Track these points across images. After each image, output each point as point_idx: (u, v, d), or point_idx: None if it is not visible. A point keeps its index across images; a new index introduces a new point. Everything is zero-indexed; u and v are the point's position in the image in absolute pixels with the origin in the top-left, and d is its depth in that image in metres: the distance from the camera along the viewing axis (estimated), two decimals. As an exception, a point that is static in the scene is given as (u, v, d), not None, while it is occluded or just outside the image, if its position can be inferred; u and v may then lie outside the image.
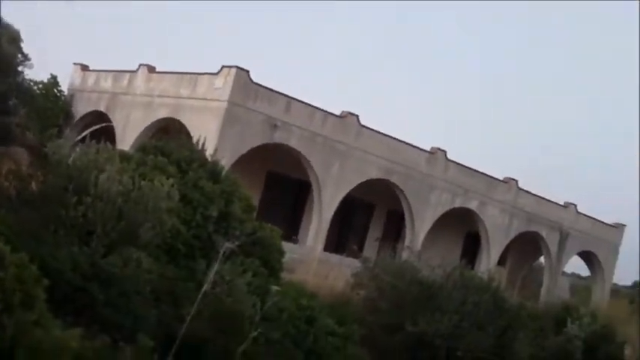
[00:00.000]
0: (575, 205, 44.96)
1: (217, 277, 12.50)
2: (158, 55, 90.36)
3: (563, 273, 49.68)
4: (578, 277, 67.06)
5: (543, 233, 43.05)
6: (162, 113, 32.10)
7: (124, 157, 17.14)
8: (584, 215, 45.53)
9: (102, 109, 35.80)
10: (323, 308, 18.45)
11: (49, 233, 12.92)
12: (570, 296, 44.55)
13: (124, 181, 14.17)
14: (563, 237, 43.98)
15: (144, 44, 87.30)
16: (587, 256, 48.10)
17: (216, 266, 11.70)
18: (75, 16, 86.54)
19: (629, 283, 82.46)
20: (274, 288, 13.23)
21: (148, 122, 32.56)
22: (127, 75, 35.17)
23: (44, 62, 47.60)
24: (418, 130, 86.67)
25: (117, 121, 34.43)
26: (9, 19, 30.26)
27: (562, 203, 44.53)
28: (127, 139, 32.51)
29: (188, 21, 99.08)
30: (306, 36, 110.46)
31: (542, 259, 47.35)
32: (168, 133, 29.85)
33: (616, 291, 58.03)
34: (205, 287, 11.19)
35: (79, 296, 11.46)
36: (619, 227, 48.71)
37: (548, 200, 43.37)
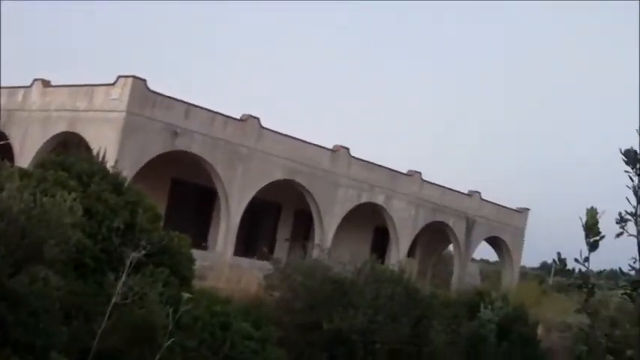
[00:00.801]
0: (479, 193, 45.74)
1: (127, 289, 12.30)
2: (55, 68, 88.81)
3: (473, 259, 50.53)
4: (487, 262, 68.28)
5: (450, 222, 43.66)
6: (60, 127, 31.55)
7: (24, 174, 16.75)
8: (489, 202, 46.33)
9: (-3, 126, 35.06)
10: (237, 313, 18.36)
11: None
12: (481, 282, 45.27)
13: (24, 198, 13.84)
14: (470, 225, 44.68)
15: (37, 58, 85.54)
16: (495, 242, 48.94)
17: (123, 278, 11.50)
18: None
19: (536, 264, 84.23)
20: (186, 296, 13.06)
21: (46, 137, 31.96)
22: (22, 91, 34.46)
23: None
24: (321, 130, 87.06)
25: (14, 138, 33.69)
26: None
27: (466, 192, 45.24)
28: (25, 156, 31.85)
29: (85, 29, 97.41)
30: (206, 38, 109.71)
31: (451, 247, 48.03)
32: (67, 147, 29.32)
33: (524, 273, 59.32)
34: (114, 299, 10.99)
35: (-14, 319, 11.15)
36: (523, 212, 49.70)
37: (453, 190, 44.03)
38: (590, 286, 4.86)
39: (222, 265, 28.54)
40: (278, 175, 34.01)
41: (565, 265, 4.87)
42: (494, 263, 63.10)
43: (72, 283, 14.40)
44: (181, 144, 30.29)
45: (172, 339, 10.99)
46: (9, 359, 10.53)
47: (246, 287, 24.36)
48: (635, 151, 4.76)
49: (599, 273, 4.88)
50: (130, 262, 11.41)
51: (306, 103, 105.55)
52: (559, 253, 4.86)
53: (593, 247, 4.79)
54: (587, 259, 4.82)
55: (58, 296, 13.18)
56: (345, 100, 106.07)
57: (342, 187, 36.92)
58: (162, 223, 19.83)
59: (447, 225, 43.79)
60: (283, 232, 39.29)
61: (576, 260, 4.83)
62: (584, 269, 4.85)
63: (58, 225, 13.94)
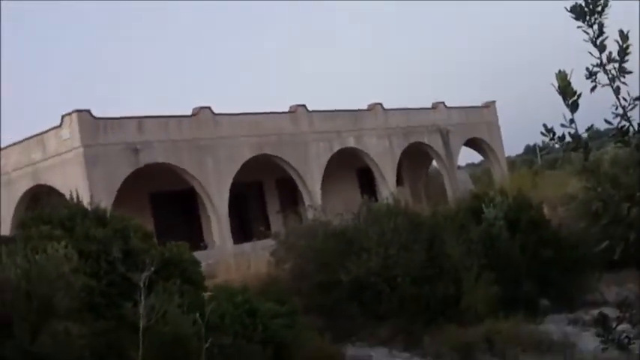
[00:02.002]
0: (443, 103, 45.84)
1: (148, 311, 12.31)
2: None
3: (459, 167, 50.77)
4: (474, 165, 68.68)
5: (425, 140, 43.85)
6: (25, 185, 31.34)
7: (8, 240, 16.68)
8: (455, 108, 46.49)
9: (-36, 206, 34.76)
10: (258, 297, 18.44)
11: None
12: (474, 185, 45.50)
13: (18, 262, 13.79)
14: (445, 135, 44.87)
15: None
16: (474, 143, 49.20)
17: (142, 301, 11.51)
18: None
19: (520, 151, 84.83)
20: (207, 294, 13.12)
21: (15, 200, 31.74)
22: (-26, 164, 34.14)
23: None
24: (276, 98, 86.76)
25: (-16, 212, 33.45)
26: None
27: (430, 105, 45.34)
28: (2, 225, 31.62)
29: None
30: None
31: (434, 163, 48.25)
32: (39, 200, 29.18)
33: (512, 163, 59.72)
34: (142, 324, 11.00)
35: (25, 389, 11.15)
36: (490, 105, 49.97)
37: (417, 108, 44.16)
38: (584, 144, 4.90)
39: (226, 258, 28.57)
40: (247, 154, 33.96)
41: (554, 133, 4.90)
42: (480, 164, 63.52)
43: (92, 325, 14.40)
44: (145, 158, 30.16)
45: (208, 341, 11.02)
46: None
47: (256, 270, 24.41)
48: (581, 5, 4.79)
49: (587, 130, 4.90)
50: (144, 283, 11.41)
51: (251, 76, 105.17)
52: (545, 125, 4.90)
53: (573, 107, 4.82)
54: (572, 121, 4.85)
55: (84, 343, 13.18)
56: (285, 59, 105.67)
57: (311, 143, 36.92)
58: (155, 239, 19.86)
59: (423, 144, 43.96)
60: (273, 206, 39.34)
61: (562, 125, 4.87)
62: (572, 131, 4.88)
63: (60, 276, 13.94)
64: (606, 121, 4.90)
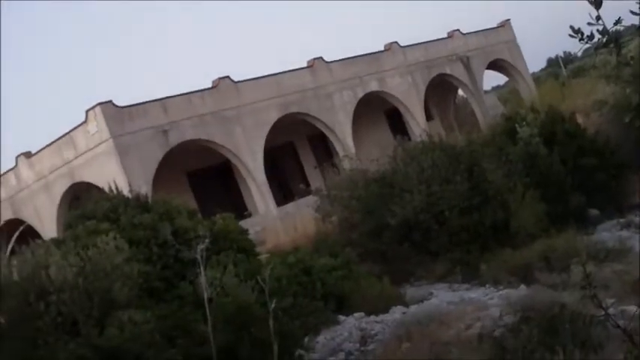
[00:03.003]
0: (459, 30, 45.47)
1: (207, 286, 12.46)
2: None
3: (486, 92, 50.46)
4: (500, 87, 68.17)
5: (447, 70, 43.59)
6: (64, 185, 31.58)
7: (58, 242, 16.90)
8: (471, 33, 46.11)
9: (10, 216, 35.11)
10: (310, 254, 18.56)
11: (39, 348, 12.74)
12: (504, 107, 45.25)
13: (72, 262, 13.98)
14: (466, 62, 44.57)
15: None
16: (496, 65, 48.83)
17: (202, 274, 11.64)
18: None
19: (543, 64, 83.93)
20: (264, 257, 13.24)
21: (56, 201, 32.02)
22: (11, 174, 34.44)
23: None
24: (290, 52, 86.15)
25: (30, 218, 33.81)
26: None
27: (446, 35, 45.02)
28: (48, 228, 31.96)
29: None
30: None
31: (461, 92, 48.00)
32: (80, 198, 29.48)
33: (537, 78, 59.19)
34: (206, 296, 11.13)
35: (102, 382, 11.36)
36: (506, 24, 49.49)
37: (434, 40, 43.84)
38: (613, 39, 4.82)
39: (272, 222, 28.75)
40: (274, 116, 33.94)
41: (582, 33, 4.83)
42: (506, 85, 63.06)
43: (155, 310, 14.59)
44: (175, 138, 30.26)
45: (274, 304, 11.15)
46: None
47: (304, 229, 24.55)
48: None
49: (616, 23, 4.81)
50: (201, 256, 11.53)
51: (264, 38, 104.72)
52: (572, 26, 4.82)
53: (598, 3, 4.74)
54: (599, 17, 4.78)
55: (151, 328, 13.37)
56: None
57: (335, 93, 36.82)
58: (199, 215, 20.04)
59: (445, 74, 43.71)
60: (308, 163, 39.35)
61: (589, 24, 4.79)
62: (600, 28, 4.80)
63: (114, 268, 14.13)
64: (632, 12, 4.79)
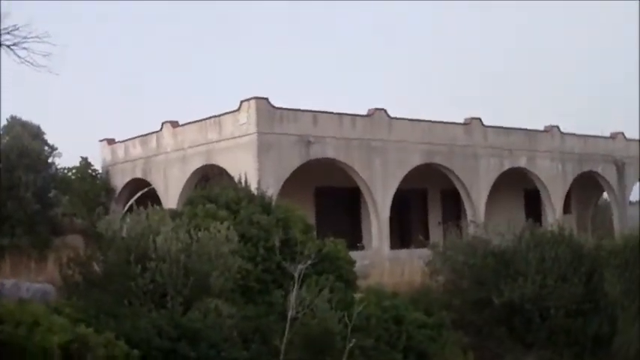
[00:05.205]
0: (623, 133, 44.49)
1: (298, 303, 12.50)
2: (176, 111, 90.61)
3: (631, 203, 49.12)
4: (647, 203, 66.20)
5: (599, 169, 42.64)
6: (198, 163, 32.24)
7: (175, 214, 17.26)
8: (634, 140, 45.01)
9: (139, 175, 36.03)
10: (407, 304, 18.42)
11: (124, 307, 13.02)
12: (644, 223, 43.88)
13: (181, 237, 14.26)
14: (620, 167, 43.52)
15: (158, 105, 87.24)
16: (649, 180, 47.50)
17: (294, 292, 11.69)
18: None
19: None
20: (358, 296, 13.20)
21: (186, 175, 32.71)
22: (154, 137, 35.36)
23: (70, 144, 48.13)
24: (449, 107, 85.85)
25: (156, 183, 34.63)
26: (21, 114, 30.96)
27: (609, 135, 44.12)
28: (170, 197, 32.69)
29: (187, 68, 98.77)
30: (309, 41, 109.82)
31: (605, 195, 46.89)
32: (208, 179, 30.05)
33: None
34: (290, 314, 11.17)
35: (171, 358, 11.51)
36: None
37: (595, 136, 42.99)
38: None
39: (381, 261, 28.62)
40: (417, 161, 33.87)
41: None
42: (654, 202, 61.23)
43: (242, 308, 14.74)
44: (316, 152, 30.52)
45: (352, 341, 11.10)
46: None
47: (409, 278, 24.35)
48: None
49: None
50: (299, 275, 11.59)
51: (428, 83, 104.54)
52: None
53: None
54: None
55: (233, 324, 13.51)
56: (464, 69, 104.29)
57: (482, 158, 36.50)
58: (314, 233, 20.11)
59: (596, 173, 42.77)
60: (434, 216, 39.12)
61: None
62: None
63: (218, 256, 14.35)
64: None
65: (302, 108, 30.71)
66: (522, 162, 38.45)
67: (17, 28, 14.16)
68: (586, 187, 44.61)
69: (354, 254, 20.89)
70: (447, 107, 75.80)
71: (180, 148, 33.44)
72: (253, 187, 20.56)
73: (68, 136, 63.05)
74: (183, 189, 32.20)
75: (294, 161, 29.81)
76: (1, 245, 23.56)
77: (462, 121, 36.34)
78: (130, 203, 21.63)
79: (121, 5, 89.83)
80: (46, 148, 29.56)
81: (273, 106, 29.56)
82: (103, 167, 38.72)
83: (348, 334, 11.21)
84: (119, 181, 37.64)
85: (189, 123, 33.36)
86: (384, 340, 16.13)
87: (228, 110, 30.65)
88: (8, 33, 14.08)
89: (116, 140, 38.95)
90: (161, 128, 34.80)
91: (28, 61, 14.44)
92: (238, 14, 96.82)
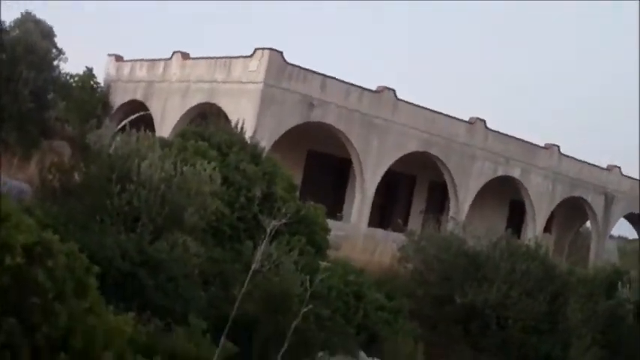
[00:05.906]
0: (619, 168, 44.53)
1: (264, 257, 12.48)
2: (190, 43, 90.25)
3: (610, 236, 49.27)
4: (626, 239, 66.45)
5: (588, 198, 42.70)
6: (199, 99, 32.18)
7: (165, 143, 17.21)
8: (629, 177, 45.07)
9: (139, 98, 35.98)
10: (371, 284, 18.47)
11: (95, 222, 12.99)
12: (619, 259, 44.10)
13: (165, 167, 14.21)
14: (609, 200, 43.60)
15: (173, 33, 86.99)
16: (634, 218, 47.61)
17: (263, 246, 11.67)
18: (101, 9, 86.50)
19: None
20: (324, 264, 13.19)
21: (185, 108, 32.67)
22: (162, 63, 35.28)
23: (78, 53, 47.93)
24: (456, 101, 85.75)
25: (154, 109, 34.58)
26: (39, 14, 30.64)
27: (605, 166, 44.14)
28: (165, 126, 32.66)
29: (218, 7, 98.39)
30: (340, 15, 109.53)
31: (588, 223, 47.00)
32: (206, 118, 29.93)
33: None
34: (254, 267, 11.16)
35: (129, 283, 11.52)
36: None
37: (592, 164, 42.99)
38: None
39: (356, 236, 28.68)
40: (413, 147, 33.85)
41: None
42: (633, 241, 61.41)
43: (210, 250, 14.74)
44: (317, 115, 30.46)
45: (309, 306, 11.09)
46: (149, 321, 10.84)
47: (380, 259, 24.40)
48: None
49: None
50: (270, 231, 11.57)
51: (440, 74, 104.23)
52: None
53: None
54: None
55: (197, 263, 13.51)
56: (479, 71, 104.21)
57: (478, 159, 36.50)
58: (297, 193, 20.13)
59: (585, 200, 42.83)
60: (418, 204, 39.17)
61: None
62: None
63: (198, 193, 14.32)
64: None
65: (313, 69, 30.60)
66: (516, 173, 38.46)
67: None
68: (571, 211, 44.71)
69: (331, 223, 20.93)
70: (448, 103, 75.93)
71: (185, 80, 33.35)
72: (248, 135, 20.53)
73: (78, 48, 62.83)
74: (179, 121, 32.16)
75: (293, 119, 29.77)
76: (-13, 136, 23.45)
77: (466, 118, 36.30)
78: (124, 123, 21.60)
79: None
80: (54, 50, 29.36)
81: (286, 61, 29.45)
82: (105, 81, 38.64)
83: (306, 299, 11.18)
84: (118, 99, 37.58)
85: (200, 58, 33.27)
86: (341, 312, 16.17)
87: (241, 55, 30.55)
88: None
89: (124, 58, 38.84)
90: (171, 57, 34.68)
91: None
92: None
